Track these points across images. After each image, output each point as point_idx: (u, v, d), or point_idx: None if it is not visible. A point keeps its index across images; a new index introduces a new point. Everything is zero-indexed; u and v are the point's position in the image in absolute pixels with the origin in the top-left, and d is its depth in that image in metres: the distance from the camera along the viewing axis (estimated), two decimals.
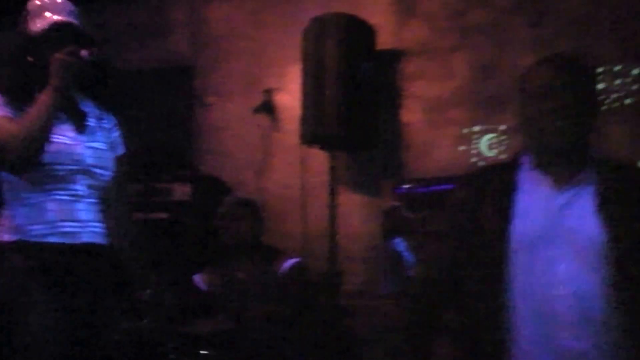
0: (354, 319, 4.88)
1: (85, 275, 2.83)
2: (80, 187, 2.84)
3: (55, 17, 2.85)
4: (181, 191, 4.84)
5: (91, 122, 2.94)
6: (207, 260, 4.57)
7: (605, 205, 2.12)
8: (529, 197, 2.22)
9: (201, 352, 4.06)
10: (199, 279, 4.45)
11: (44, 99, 2.70)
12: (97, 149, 2.90)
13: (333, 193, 4.93)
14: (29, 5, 2.91)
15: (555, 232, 2.13)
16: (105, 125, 3.01)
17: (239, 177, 5.41)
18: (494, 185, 2.28)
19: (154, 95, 5.71)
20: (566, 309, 2.07)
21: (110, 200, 2.99)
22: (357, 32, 4.82)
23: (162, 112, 5.68)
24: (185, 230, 4.79)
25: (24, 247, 2.75)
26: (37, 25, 2.84)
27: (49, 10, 2.87)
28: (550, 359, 2.09)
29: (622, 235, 2.08)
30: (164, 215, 4.87)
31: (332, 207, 4.91)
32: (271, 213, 5.05)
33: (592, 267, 2.08)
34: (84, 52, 2.74)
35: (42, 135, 2.69)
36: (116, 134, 3.06)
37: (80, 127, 2.90)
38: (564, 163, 2.20)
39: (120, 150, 3.06)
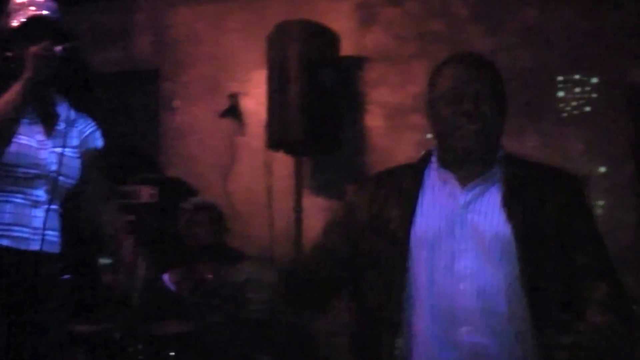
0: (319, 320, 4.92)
1: (29, 282, 2.77)
2: (40, 193, 2.80)
3: (32, 13, 2.83)
4: (147, 193, 4.86)
5: (61, 125, 2.90)
6: (173, 261, 4.62)
7: (510, 202, 2.11)
8: (434, 195, 2.19)
9: (169, 353, 4.09)
10: (167, 279, 4.49)
11: (12, 91, 2.66)
12: (63, 155, 2.84)
13: (298, 196, 5.02)
14: (11, 2, 2.89)
15: (459, 228, 2.11)
16: (79, 127, 2.99)
17: (205, 180, 5.42)
18: (399, 185, 2.25)
19: (119, 98, 5.71)
20: (467, 304, 2.05)
21: (83, 198, 2.98)
22: (320, 38, 4.88)
23: (127, 116, 5.69)
24: (151, 232, 4.82)
25: None
26: (16, 20, 2.83)
27: (28, 7, 2.85)
28: (450, 354, 2.06)
29: (527, 231, 2.06)
30: (130, 217, 4.89)
31: (297, 210, 5.00)
32: (237, 216, 5.10)
33: (495, 263, 2.06)
34: (58, 48, 2.72)
35: (6, 127, 2.66)
36: (91, 129, 3.03)
37: (50, 130, 2.86)
38: (471, 162, 2.18)
39: (98, 144, 3.05)
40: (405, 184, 2.24)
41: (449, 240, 2.11)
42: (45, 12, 2.86)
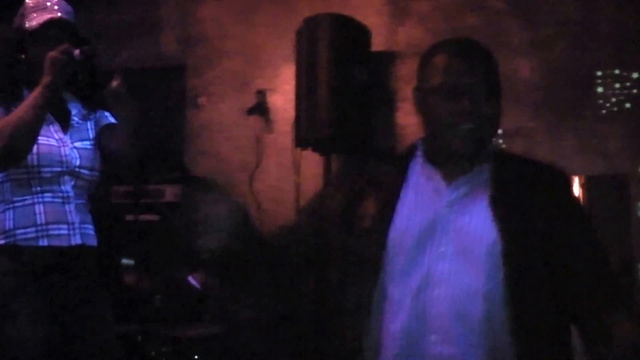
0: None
1: (76, 278, 2.81)
2: (68, 189, 2.82)
3: (49, 15, 2.84)
4: (172, 193, 4.80)
5: (76, 120, 2.93)
6: (197, 262, 4.54)
7: (498, 202, 1.93)
8: (417, 193, 2.02)
9: (193, 356, 4.03)
10: (193, 279, 4.42)
11: (34, 95, 2.68)
12: (83, 149, 2.88)
13: None
14: (25, 3, 2.90)
15: (440, 229, 1.93)
16: (91, 120, 3.00)
17: (232, 178, 5.36)
18: (381, 178, 2.07)
19: (145, 95, 5.66)
20: (440, 311, 1.87)
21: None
22: (350, 33, 4.79)
23: (153, 113, 5.64)
24: (175, 231, 4.76)
25: (13, 251, 2.72)
26: (33, 22, 2.83)
27: (44, 9, 2.85)
28: None
29: (515, 234, 1.89)
30: (154, 216, 4.83)
31: None
32: (264, 215, 5.02)
33: (477, 267, 1.88)
34: (76, 52, 2.73)
35: (30, 132, 2.67)
36: (100, 114, 3.03)
37: (65, 126, 2.89)
38: (459, 160, 2.00)
39: (108, 121, 3.03)
40: (387, 177, 2.06)
41: (428, 242, 1.93)
42: (61, 15, 2.87)
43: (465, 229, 1.92)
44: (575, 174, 4.72)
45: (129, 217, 4.67)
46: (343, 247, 2.01)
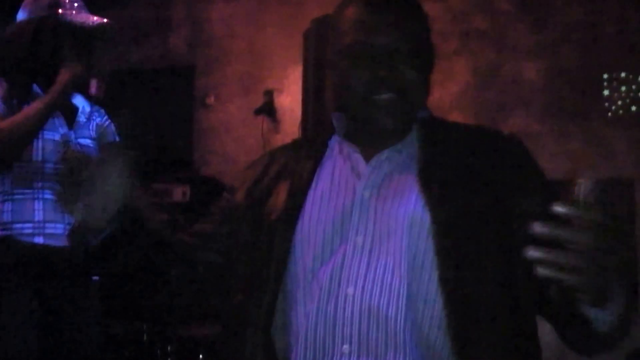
0: None
1: (65, 279, 2.78)
2: None
3: (98, 18, 2.88)
4: (180, 192, 4.81)
5: (81, 117, 2.91)
6: None
7: (430, 180, 1.54)
8: (333, 176, 1.64)
9: (199, 356, 4.04)
10: None
11: (37, 106, 2.66)
12: (86, 147, 2.86)
13: None
14: None
15: (357, 217, 1.54)
16: (96, 120, 2.98)
17: None
18: (294, 163, 1.70)
19: (154, 95, 5.68)
20: (352, 314, 1.46)
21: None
22: None
23: (161, 112, 5.65)
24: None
25: (11, 245, 2.71)
26: (77, 17, 2.83)
27: (82, 7, 2.89)
28: None
29: (452, 217, 1.50)
30: (162, 216, 4.84)
31: None
32: None
33: (400, 258, 1.48)
34: (92, 89, 2.80)
35: (24, 141, 2.65)
36: (107, 123, 3.02)
37: (71, 123, 2.86)
38: (379, 135, 1.63)
39: (112, 138, 3.02)
40: (301, 161, 1.69)
41: (342, 234, 1.54)
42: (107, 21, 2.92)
43: (387, 214, 1.53)
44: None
45: None
46: (250, 247, 1.64)
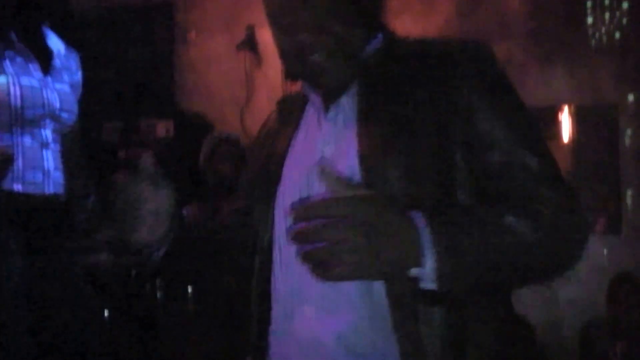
0: None
1: (47, 227, 2.74)
2: (48, 133, 2.74)
3: None
4: (164, 127, 4.79)
5: (57, 61, 2.84)
6: (191, 196, 4.55)
7: (371, 113, 1.42)
8: (307, 128, 1.54)
9: (186, 288, 4.07)
10: (188, 211, 4.42)
11: None
12: (63, 91, 2.79)
13: None
14: None
15: (315, 173, 1.37)
16: (71, 65, 2.92)
17: (221, 114, 5.35)
18: (287, 115, 1.61)
19: (134, 33, 5.62)
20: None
21: (65, 150, 2.88)
22: None
23: (142, 50, 5.60)
24: (168, 166, 4.76)
25: None
26: None
27: None
28: (286, 346, 1.47)
29: (374, 138, 1.38)
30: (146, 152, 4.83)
31: None
32: None
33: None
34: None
35: None
36: (79, 74, 2.96)
37: (47, 67, 2.78)
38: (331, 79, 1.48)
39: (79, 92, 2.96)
40: (292, 113, 1.60)
41: (306, 191, 1.44)
42: None
43: (339, 166, 1.42)
44: (565, 103, 4.75)
45: (121, 154, 4.67)
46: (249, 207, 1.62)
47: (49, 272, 2.75)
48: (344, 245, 1.19)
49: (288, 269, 1.46)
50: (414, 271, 1.24)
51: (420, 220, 1.24)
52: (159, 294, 4.05)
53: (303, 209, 1.22)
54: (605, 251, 4.68)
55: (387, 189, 1.34)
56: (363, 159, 1.39)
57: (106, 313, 3.76)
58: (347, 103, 1.47)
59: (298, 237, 1.21)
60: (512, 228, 1.30)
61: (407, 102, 1.41)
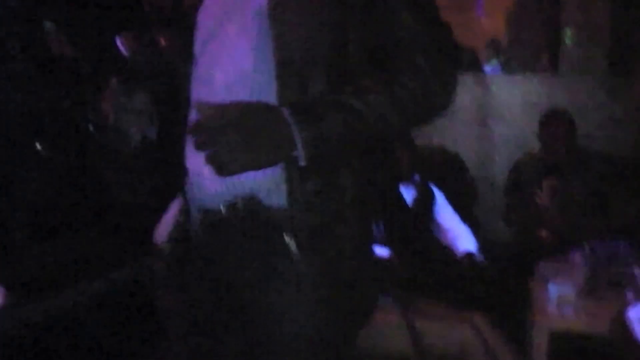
0: None
1: None
2: None
3: None
4: None
5: None
6: (127, 23, 4.41)
7: None
8: None
9: None
10: (120, 42, 4.28)
11: None
12: None
13: None
14: None
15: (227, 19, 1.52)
16: None
17: None
18: None
19: None
20: (217, 94, 1.50)
21: None
22: None
23: None
24: None
25: None
26: None
27: None
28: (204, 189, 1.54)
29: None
30: None
31: None
32: None
33: (248, 42, 1.47)
34: None
35: None
36: None
37: None
38: None
39: None
40: None
41: (218, 29, 1.53)
42: None
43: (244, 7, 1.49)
44: None
45: None
46: None
47: None
48: (223, 148, 1.35)
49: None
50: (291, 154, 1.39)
51: (287, 114, 1.38)
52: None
53: (200, 109, 1.41)
54: (542, 89, 4.72)
55: (287, 42, 1.43)
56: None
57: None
58: None
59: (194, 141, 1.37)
60: (371, 105, 1.42)
61: None
